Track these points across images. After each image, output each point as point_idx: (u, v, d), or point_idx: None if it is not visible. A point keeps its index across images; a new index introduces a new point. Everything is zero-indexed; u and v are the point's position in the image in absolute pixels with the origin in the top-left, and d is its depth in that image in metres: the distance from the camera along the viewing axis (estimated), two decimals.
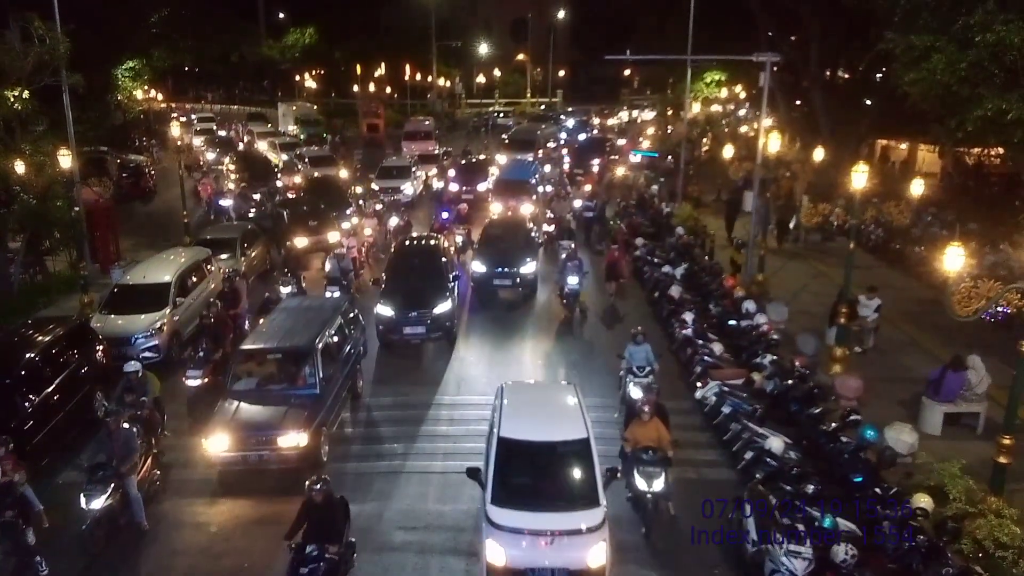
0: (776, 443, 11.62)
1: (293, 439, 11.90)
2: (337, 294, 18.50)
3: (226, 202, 28.28)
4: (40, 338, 13.71)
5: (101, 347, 15.00)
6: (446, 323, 17.29)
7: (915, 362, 16.67)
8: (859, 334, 17.26)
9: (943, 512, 10.17)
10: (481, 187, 31.86)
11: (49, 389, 13.01)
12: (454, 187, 31.59)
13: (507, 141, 42.37)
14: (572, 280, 18.95)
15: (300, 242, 23.64)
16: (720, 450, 13.09)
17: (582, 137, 47.89)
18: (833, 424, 12.46)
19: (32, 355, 13.10)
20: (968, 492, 10.51)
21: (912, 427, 12.58)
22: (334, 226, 24.30)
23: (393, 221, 25.43)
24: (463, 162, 36.36)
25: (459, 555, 10.63)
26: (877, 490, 10.60)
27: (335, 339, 14.19)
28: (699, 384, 14.61)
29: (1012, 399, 10.91)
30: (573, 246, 20.97)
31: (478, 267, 20.54)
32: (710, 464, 12.79)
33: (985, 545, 9.78)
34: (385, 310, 17.05)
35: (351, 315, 15.84)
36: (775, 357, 14.78)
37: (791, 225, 27.51)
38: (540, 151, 40.19)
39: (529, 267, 20.61)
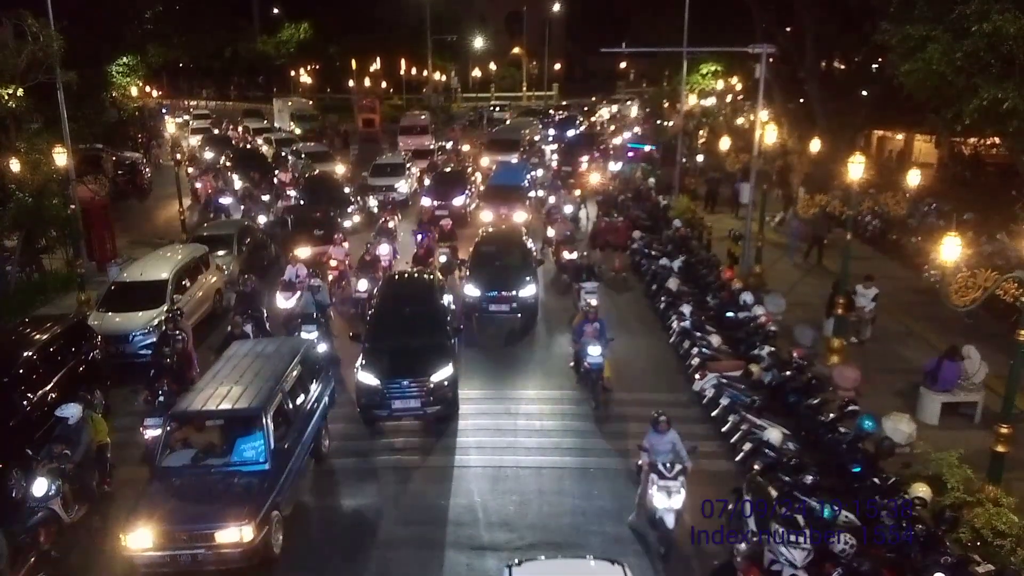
0: (774, 434, 11.65)
1: (235, 533, 9.63)
2: (314, 335, 15.43)
3: (226, 200, 27.83)
4: (38, 336, 13.70)
5: (99, 345, 14.98)
6: (447, 394, 13.60)
7: (912, 352, 16.71)
8: (856, 325, 17.29)
9: (941, 501, 10.21)
10: (458, 201, 27.87)
11: (47, 387, 13.00)
12: (426, 202, 27.84)
13: (488, 142, 39.86)
14: (594, 352, 14.17)
15: (303, 253, 21.14)
16: (719, 441, 13.11)
17: (571, 133, 46.52)
18: (831, 415, 12.50)
19: (30, 353, 13.10)
20: (966, 481, 10.55)
21: (910, 417, 12.63)
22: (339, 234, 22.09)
23: (383, 250, 20.94)
24: (437, 173, 32.17)
25: None
26: (875, 480, 10.64)
27: (293, 395, 11.79)
28: (697, 376, 14.63)
29: (1009, 388, 10.95)
30: (595, 302, 16.44)
31: (470, 291, 18.08)
32: (709, 455, 12.77)
33: (983, 534, 9.83)
34: (368, 378, 13.43)
35: (314, 361, 13.31)
36: (773, 348, 14.81)
37: (787, 216, 27.52)
38: (525, 151, 37.88)
39: (528, 289, 18.11)
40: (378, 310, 15.52)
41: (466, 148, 41.80)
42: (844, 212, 21.33)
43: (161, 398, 12.59)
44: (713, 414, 13.66)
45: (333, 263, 20.65)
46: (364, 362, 13.70)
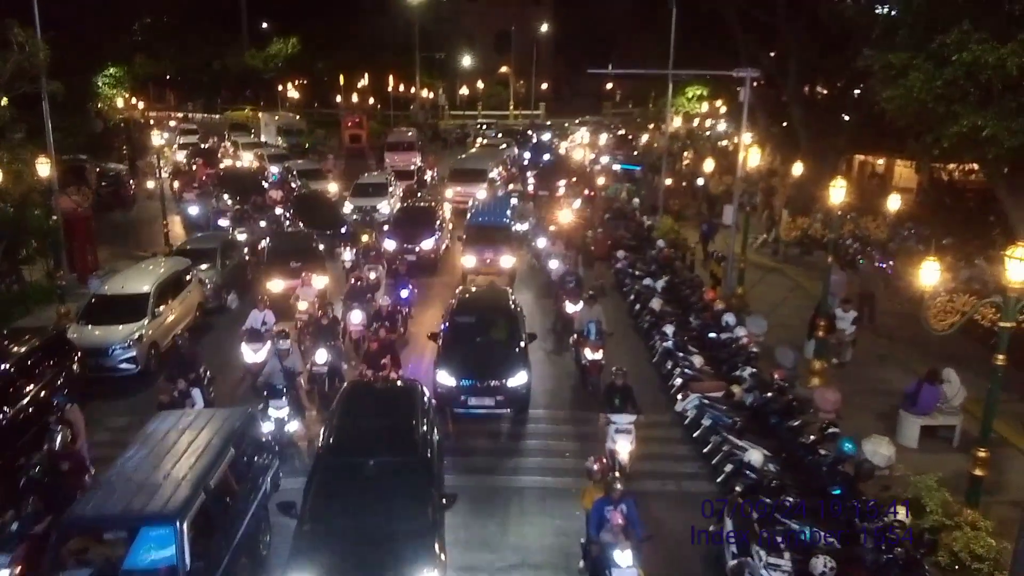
0: (755, 456, 11.68)
1: None
2: (284, 411, 12.86)
3: (224, 221, 27.20)
4: (16, 349, 13.56)
5: (78, 358, 14.80)
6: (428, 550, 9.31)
7: (892, 375, 16.84)
8: (837, 347, 17.42)
9: (920, 524, 10.26)
10: (428, 244, 24.13)
11: (25, 401, 12.84)
12: (390, 245, 23.60)
13: (452, 172, 35.46)
14: (623, 561, 9.24)
15: (276, 287, 19.23)
16: (700, 463, 13.13)
17: (547, 158, 44.39)
18: (812, 436, 12.54)
19: (7, 366, 12.94)
20: (945, 504, 10.62)
21: (890, 440, 12.70)
22: (322, 266, 20.23)
23: (355, 318, 16.90)
24: (401, 208, 28.54)
25: None
26: (855, 502, 10.69)
27: (223, 490, 9.57)
28: (679, 397, 14.69)
29: (987, 412, 11.05)
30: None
31: (444, 379, 14.17)
32: (690, 477, 12.83)
33: (962, 557, 9.89)
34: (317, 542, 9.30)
35: (255, 439, 11.10)
36: (754, 370, 14.87)
37: (770, 237, 27.80)
38: (495, 183, 34.34)
39: (518, 377, 14.23)
40: (343, 405, 11.70)
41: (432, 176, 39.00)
42: (826, 235, 21.58)
43: (14, 526, 9.47)
44: (695, 435, 13.68)
45: (302, 306, 17.40)
46: (312, 504, 9.73)
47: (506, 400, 14.12)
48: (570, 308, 18.24)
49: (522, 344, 15.07)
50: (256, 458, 10.90)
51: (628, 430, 12.29)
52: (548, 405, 15.38)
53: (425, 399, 12.14)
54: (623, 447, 12.20)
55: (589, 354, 15.45)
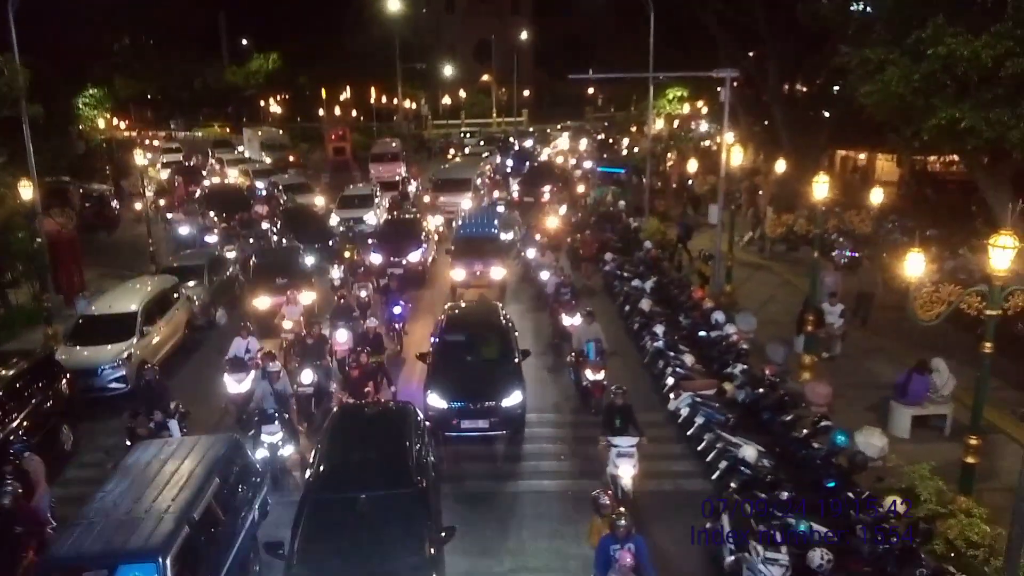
0: (749, 451, 11.73)
1: None
2: (277, 436, 12.37)
3: (212, 238, 27.03)
4: (4, 372, 13.43)
5: (66, 380, 14.70)
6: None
7: (882, 367, 16.95)
8: (827, 341, 17.52)
9: (915, 514, 10.32)
10: (414, 256, 23.79)
11: (13, 425, 12.72)
12: (376, 259, 23.20)
13: (435, 182, 35.22)
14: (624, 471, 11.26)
15: (262, 303, 18.92)
16: (695, 460, 13.17)
17: (529, 164, 44.04)
18: (804, 431, 12.63)
19: None
20: (938, 493, 10.68)
21: (882, 431, 12.77)
22: (309, 282, 19.94)
23: (341, 337, 16.19)
24: (386, 221, 28.00)
25: None
26: (850, 494, 10.74)
27: (208, 521, 9.18)
28: (672, 396, 14.74)
29: (977, 400, 11.14)
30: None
31: (435, 401, 13.57)
32: (686, 475, 12.86)
33: (957, 544, 9.95)
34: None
35: (243, 467, 10.70)
36: (745, 367, 14.96)
37: (756, 235, 27.95)
38: (479, 191, 34.20)
39: (513, 396, 13.64)
40: (331, 438, 11.04)
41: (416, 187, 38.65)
42: (811, 231, 21.72)
43: None
44: (688, 433, 13.71)
45: (286, 325, 17.05)
46: (301, 551, 9.16)
47: (500, 422, 13.54)
48: (567, 321, 17.59)
49: (516, 361, 14.48)
50: (242, 486, 10.49)
51: (630, 453, 11.57)
52: (545, 423, 14.92)
53: (419, 422, 11.63)
54: (626, 471, 11.48)
55: (590, 375, 14.85)
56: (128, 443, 11.69)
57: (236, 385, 14.20)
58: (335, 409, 12.61)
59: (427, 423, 12.47)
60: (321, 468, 10.12)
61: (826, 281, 18.49)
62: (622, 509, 9.38)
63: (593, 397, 14.82)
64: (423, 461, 10.57)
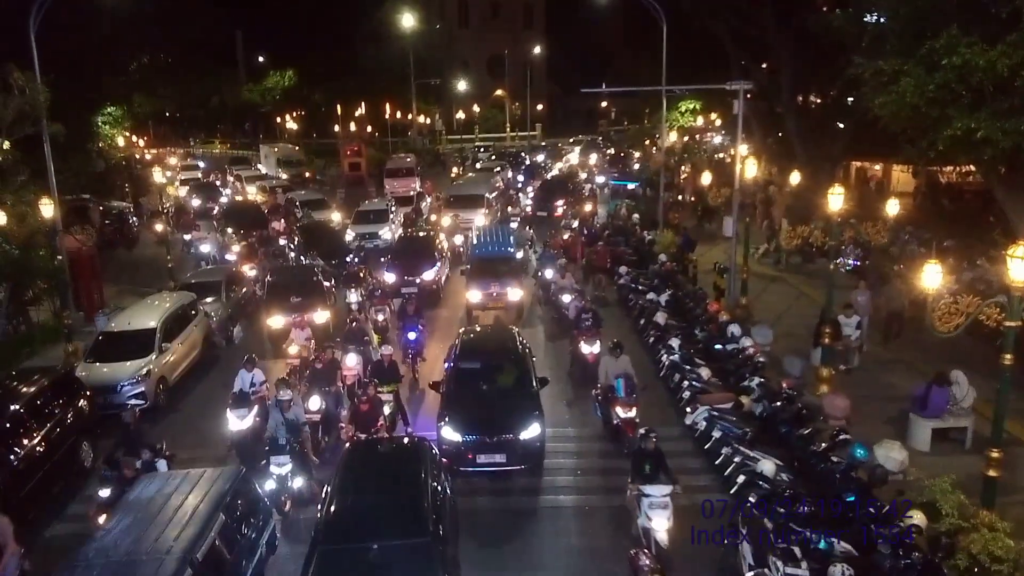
0: (768, 466, 11.65)
1: None
2: (287, 468, 11.97)
3: (231, 256, 27.24)
4: (25, 390, 13.58)
5: (86, 397, 14.83)
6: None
7: (900, 379, 16.79)
8: (844, 353, 17.40)
9: (936, 528, 10.21)
10: (429, 275, 23.27)
11: (35, 441, 12.86)
12: (390, 278, 22.82)
13: (447, 198, 34.82)
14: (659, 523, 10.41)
15: (276, 322, 18.78)
16: (712, 475, 13.08)
17: (542, 178, 44.41)
18: (823, 444, 12.53)
19: (17, 407, 12.97)
20: (960, 507, 10.54)
21: (901, 444, 12.67)
22: (324, 301, 19.67)
23: (351, 361, 15.63)
24: (400, 238, 27.63)
25: None
26: (870, 509, 10.64)
27: (215, 560, 8.96)
28: (688, 410, 14.66)
29: (998, 412, 11.02)
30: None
31: (448, 435, 12.98)
32: (703, 490, 12.76)
33: (980, 559, 9.80)
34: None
35: (249, 501, 10.39)
36: (762, 380, 14.88)
37: (771, 247, 27.85)
38: (492, 205, 33.96)
39: (531, 429, 12.97)
40: (341, 481, 10.36)
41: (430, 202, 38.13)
42: (826, 242, 21.62)
43: None
44: (706, 447, 13.63)
45: (292, 350, 16.70)
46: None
47: (518, 456, 12.86)
48: (586, 349, 16.85)
49: (533, 390, 13.77)
50: (249, 521, 10.13)
51: (664, 504, 10.45)
52: (555, 424, 14.87)
53: (436, 459, 11.08)
54: (660, 524, 10.34)
55: (620, 412, 13.83)
56: (102, 493, 11.11)
57: (237, 422, 13.47)
58: (347, 446, 12.18)
59: (442, 458, 11.90)
60: (330, 515, 9.56)
61: (859, 299, 18.25)
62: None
63: (626, 436, 13.68)
64: (439, 503, 9.97)
